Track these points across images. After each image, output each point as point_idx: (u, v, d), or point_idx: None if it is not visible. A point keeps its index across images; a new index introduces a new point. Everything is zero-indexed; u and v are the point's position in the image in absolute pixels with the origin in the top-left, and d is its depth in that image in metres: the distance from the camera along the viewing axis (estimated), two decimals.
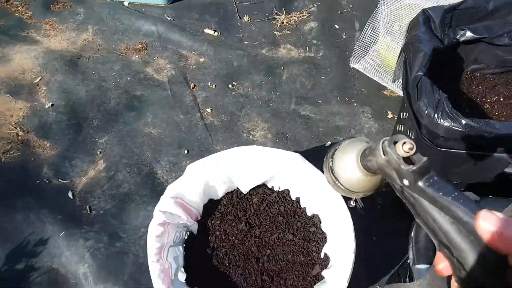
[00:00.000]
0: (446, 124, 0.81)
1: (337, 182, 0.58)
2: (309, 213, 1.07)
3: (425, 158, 0.42)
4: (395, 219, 1.24)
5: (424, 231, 0.70)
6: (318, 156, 0.99)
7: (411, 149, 0.43)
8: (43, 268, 1.18)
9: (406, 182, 0.42)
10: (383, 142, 0.46)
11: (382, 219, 1.25)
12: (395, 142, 0.44)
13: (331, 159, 0.59)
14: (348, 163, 0.55)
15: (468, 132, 0.80)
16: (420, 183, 0.41)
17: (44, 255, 1.20)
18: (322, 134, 1.42)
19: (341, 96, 1.51)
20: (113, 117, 1.48)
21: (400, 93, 1.49)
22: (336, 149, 0.59)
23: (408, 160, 0.43)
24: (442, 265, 0.39)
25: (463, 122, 0.80)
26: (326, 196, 0.96)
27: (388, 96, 1.50)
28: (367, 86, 1.53)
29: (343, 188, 0.58)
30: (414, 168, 0.41)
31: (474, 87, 1.24)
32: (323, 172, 0.64)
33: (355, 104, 1.49)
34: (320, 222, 1.06)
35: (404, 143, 0.43)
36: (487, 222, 0.32)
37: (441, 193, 0.39)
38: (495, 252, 0.32)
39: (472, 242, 0.35)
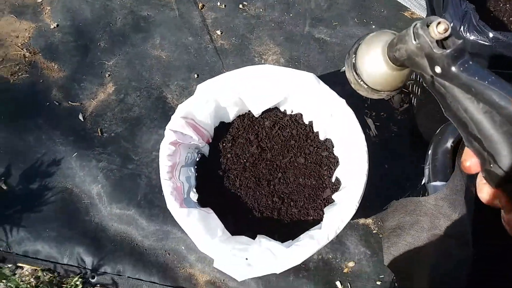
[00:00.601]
0: (472, 37, 0.75)
1: (359, 80, 0.54)
2: (321, 137, 1.05)
3: (460, 41, 0.38)
4: (408, 149, 1.22)
5: (442, 148, 0.68)
6: (332, 81, 0.95)
7: (446, 30, 0.38)
8: (57, 187, 1.21)
9: (438, 69, 0.39)
10: (415, 25, 0.41)
11: (395, 147, 1.23)
12: (428, 24, 0.40)
13: (353, 55, 0.54)
14: (373, 57, 0.51)
15: (495, 47, 0.74)
16: (454, 68, 0.37)
17: (57, 175, 1.23)
18: (337, 58, 1.36)
19: (358, 17, 1.42)
20: (120, 38, 1.42)
21: (422, 14, 1.40)
22: (360, 43, 0.54)
23: (441, 44, 0.39)
24: (471, 161, 0.37)
25: (491, 35, 0.74)
26: (340, 119, 0.93)
27: (409, 18, 1.41)
28: (387, 7, 1.43)
29: (366, 86, 0.54)
30: (449, 51, 0.37)
31: (501, 4, 1.15)
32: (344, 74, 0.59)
33: (374, 26, 1.40)
34: (333, 147, 1.04)
35: (439, 23, 0.38)
36: None
37: (476, 77, 0.36)
38: None
39: (506, 133, 0.33)
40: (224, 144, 1.06)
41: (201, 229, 0.82)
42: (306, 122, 1.07)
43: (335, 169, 1.01)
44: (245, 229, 0.97)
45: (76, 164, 1.23)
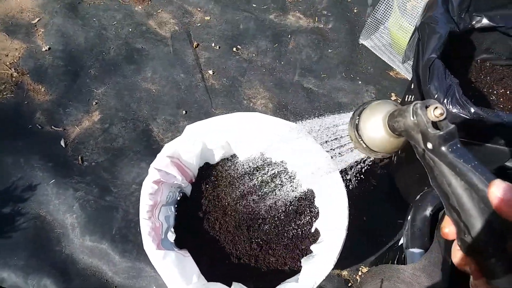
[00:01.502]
0: (454, 110, 0.80)
1: (360, 139, 0.60)
2: (304, 187, 1.07)
3: (452, 126, 0.43)
4: (386, 203, 1.25)
5: (422, 215, 0.70)
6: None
7: (441, 114, 0.44)
8: (29, 214, 1.17)
9: (429, 145, 0.44)
10: (415, 104, 0.47)
11: (374, 200, 1.25)
12: (427, 106, 0.45)
13: (357, 117, 0.60)
14: (374, 122, 0.57)
15: (475, 121, 0.79)
16: (444, 148, 0.42)
17: (31, 201, 1.19)
18: (323, 109, 1.40)
19: (346, 72, 1.48)
20: (112, 68, 1.43)
21: (406, 76, 1.47)
22: (365, 107, 0.60)
23: (435, 125, 0.45)
24: (449, 229, 0.42)
25: (472, 110, 0.79)
26: (323, 171, 0.95)
27: (394, 78, 1.48)
28: (374, 65, 1.50)
29: (364, 145, 0.60)
30: (441, 133, 0.43)
31: (482, 76, 1.22)
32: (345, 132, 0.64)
33: (360, 82, 1.46)
34: (314, 197, 1.06)
35: (436, 108, 0.44)
36: (499, 189, 0.34)
37: (462, 160, 0.40)
38: (502, 220, 0.34)
39: (481, 209, 0.37)
40: (207, 186, 1.06)
41: (176, 274, 0.81)
42: (290, 170, 1.08)
43: (315, 220, 1.02)
44: (220, 274, 0.95)
45: (52, 191, 1.20)
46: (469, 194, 0.39)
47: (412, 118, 0.47)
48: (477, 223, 0.37)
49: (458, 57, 1.20)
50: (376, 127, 0.57)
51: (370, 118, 0.58)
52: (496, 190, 0.34)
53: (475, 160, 0.41)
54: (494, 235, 0.36)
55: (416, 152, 0.48)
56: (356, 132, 0.60)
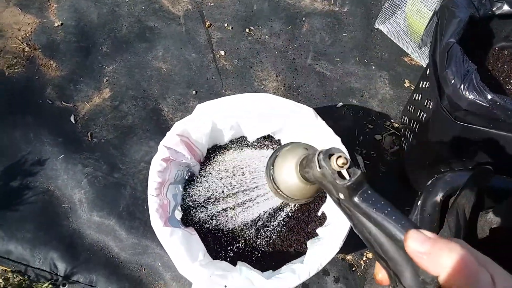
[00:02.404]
0: (471, 96, 0.78)
1: (278, 190, 0.58)
2: None
3: (359, 172, 0.41)
4: (394, 188, 1.24)
5: (432, 200, 0.69)
6: (327, 115, 0.96)
7: (344, 164, 0.42)
8: (38, 188, 1.18)
9: (341, 195, 0.42)
10: (319, 154, 0.45)
11: (382, 187, 1.24)
12: (330, 155, 0.43)
13: (271, 167, 0.58)
14: (287, 172, 0.55)
15: (491, 108, 0.77)
16: (355, 198, 0.40)
17: (40, 175, 1.20)
18: (335, 93, 1.38)
19: (360, 57, 1.45)
20: (123, 45, 1.43)
21: (421, 62, 1.44)
22: (277, 155, 0.58)
23: (341, 174, 0.42)
24: (382, 274, 0.39)
25: (489, 97, 0.77)
26: None
27: (408, 64, 1.45)
28: (388, 50, 1.47)
29: (285, 196, 0.58)
30: (348, 183, 0.40)
31: (499, 65, 1.19)
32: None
33: (373, 68, 1.44)
34: None
35: (339, 157, 0.42)
36: (416, 242, 0.32)
37: (374, 209, 0.39)
38: (424, 271, 0.32)
39: (406, 257, 0.34)
40: (215, 166, 1.06)
41: (182, 251, 0.81)
42: None
43: (322, 204, 1.02)
44: (226, 253, 0.96)
45: (61, 167, 1.21)
46: (391, 242, 0.37)
47: (318, 169, 0.45)
48: (406, 270, 0.35)
49: (476, 44, 1.17)
50: (290, 177, 0.55)
51: (283, 168, 0.56)
52: (412, 243, 0.32)
53: (387, 206, 0.39)
54: (424, 285, 0.33)
55: (333, 200, 0.45)
56: (273, 183, 0.58)
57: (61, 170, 1.21)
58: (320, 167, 0.44)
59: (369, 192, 0.41)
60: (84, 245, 1.13)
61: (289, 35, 1.48)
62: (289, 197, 0.58)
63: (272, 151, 0.77)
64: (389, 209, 0.38)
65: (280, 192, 0.58)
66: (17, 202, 1.15)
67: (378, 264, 0.39)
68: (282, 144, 1.09)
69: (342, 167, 0.42)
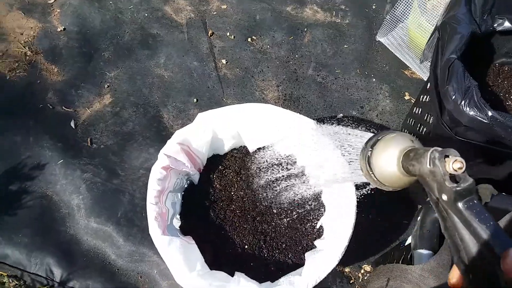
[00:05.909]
0: (471, 113, 0.78)
1: (371, 172, 0.57)
2: (311, 181, 1.06)
3: (471, 180, 0.41)
4: (394, 203, 1.24)
5: (432, 217, 0.69)
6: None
7: (460, 168, 0.41)
8: (36, 192, 1.18)
9: (444, 197, 0.42)
10: (432, 152, 0.44)
11: (382, 200, 1.24)
12: (446, 156, 0.43)
13: (370, 149, 0.58)
14: (388, 159, 0.54)
15: (492, 125, 0.77)
16: (460, 204, 0.40)
17: (39, 180, 1.20)
18: (335, 105, 1.39)
19: (361, 69, 1.46)
20: (126, 52, 1.43)
21: (422, 76, 1.45)
22: (379, 139, 0.57)
23: (453, 177, 0.42)
24: (456, 279, 0.40)
25: (490, 114, 0.77)
26: (332, 169, 0.94)
27: (409, 77, 1.46)
28: (389, 63, 1.48)
29: (375, 179, 0.57)
30: (458, 188, 0.40)
31: (500, 81, 1.20)
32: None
33: (374, 80, 1.44)
34: (321, 193, 1.05)
35: (455, 161, 0.42)
36: None
37: (477, 219, 0.39)
38: None
39: (492, 273, 0.35)
40: (214, 175, 1.06)
41: (180, 260, 0.81)
42: (299, 165, 1.07)
43: (321, 216, 1.02)
44: (224, 262, 0.95)
45: (60, 172, 1.20)
46: (480, 255, 0.37)
47: (428, 166, 0.44)
48: (485, 286, 0.35)
49: (477, 60, 1.17)
50: (389, 164, 0.54)
51: (383, 154, 0.55)
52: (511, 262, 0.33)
53: (491, 219, 0.39)
54: None
55: (429, 198, 0.46)
56: (367, 165, 0.58)
57: (60, 175, 1.20)
58: (432, 165, 0.44)
59: (475, 201, 0.41)
60: (81, 251, 1.12)
61: (290, 46, 1.49)
62: (380, 181, 0.57)
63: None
64: (491, 223, 0.38)
65: (372, 175, 0.57)
66: (15, 206, 1.15)
67: (455, 269, 0.40)
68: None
69: (457, 171, 0.42)
